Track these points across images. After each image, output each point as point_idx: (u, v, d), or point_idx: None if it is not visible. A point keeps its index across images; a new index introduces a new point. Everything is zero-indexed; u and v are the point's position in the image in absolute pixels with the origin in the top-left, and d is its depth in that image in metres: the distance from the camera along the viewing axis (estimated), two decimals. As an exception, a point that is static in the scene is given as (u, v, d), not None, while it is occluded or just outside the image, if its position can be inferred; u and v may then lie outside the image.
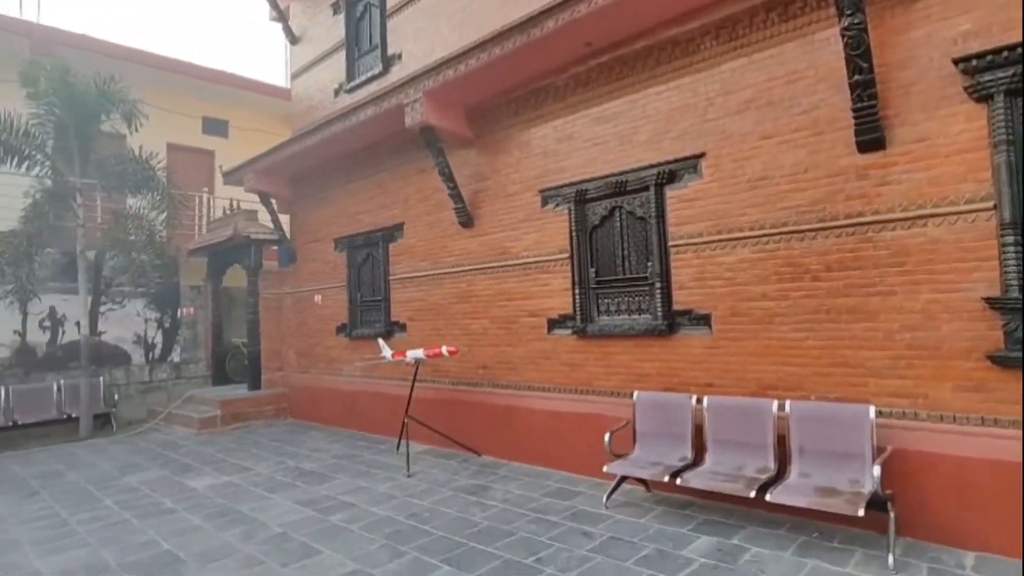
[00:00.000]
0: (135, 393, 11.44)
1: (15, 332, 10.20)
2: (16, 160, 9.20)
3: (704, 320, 5.38)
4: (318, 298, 10.24)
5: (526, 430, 6.66)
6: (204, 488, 6.32)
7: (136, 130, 10.18)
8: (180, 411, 10.48)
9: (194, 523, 5.20)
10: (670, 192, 5.66)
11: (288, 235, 10.85)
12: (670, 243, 5.65)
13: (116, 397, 10.64)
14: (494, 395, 7.10)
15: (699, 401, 5.22)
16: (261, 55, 34.31)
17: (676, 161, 5.58)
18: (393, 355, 7.43)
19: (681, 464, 4.97)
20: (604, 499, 5.19)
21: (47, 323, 10.54)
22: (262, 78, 15.63)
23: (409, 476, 6.37)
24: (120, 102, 9.80)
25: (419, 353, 6.97)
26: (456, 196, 7.31)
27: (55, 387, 10.09)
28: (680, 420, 5.24)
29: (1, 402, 9.45)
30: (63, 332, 10.67)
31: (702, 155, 5.42)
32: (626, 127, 6.00)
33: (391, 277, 8.74)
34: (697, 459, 5.06)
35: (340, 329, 9.72)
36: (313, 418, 10.05)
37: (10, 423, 9.34)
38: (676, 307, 5.59)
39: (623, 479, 5.25)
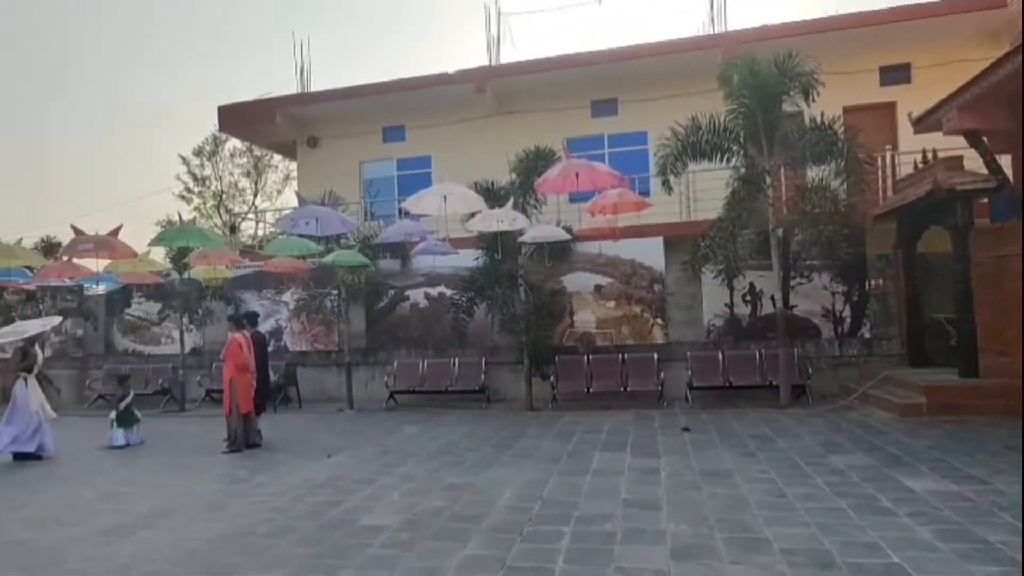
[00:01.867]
0: (825, 367, 11.36)
1: (725, 305, 11.84)
2: (719, 155, 10.57)
3: None
4: (1069, 260, 7.34)
5: None
6: (924, 492, 5.31)
7: (813, 100, 10.03)
8: (875, 391, 9.69)
9: (923, 537, 4.31)
10: None
11: (1011, 180, 8.30)
12: None
13: (810, 369, 10.84)
14: None
15: None
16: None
17: None
18: None
19: None
20: None
21: (748, 297, 11.76)
22: None
23: None
24: (797, 76, 9.84)
25: None
26: None
27: (757, 355, 11.14)
28: None
29: (720, 365, 11.14)
30: (760, 305, 11.67)
31: None
32: None
33: None
34: None
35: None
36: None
37: (726, 383, 10.89)
38: None
39: None
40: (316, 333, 13.76)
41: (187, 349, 13.53)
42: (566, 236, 10.87)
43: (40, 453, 8.31)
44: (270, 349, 11.68)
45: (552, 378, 11.42)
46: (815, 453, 6.92)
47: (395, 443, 8.59)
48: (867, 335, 11.33)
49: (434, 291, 13.10)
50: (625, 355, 11.73)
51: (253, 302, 13.75)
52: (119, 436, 8.93)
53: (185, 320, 13.43)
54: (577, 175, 8.61)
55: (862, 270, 11.35)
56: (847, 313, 11.43)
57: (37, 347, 9.00)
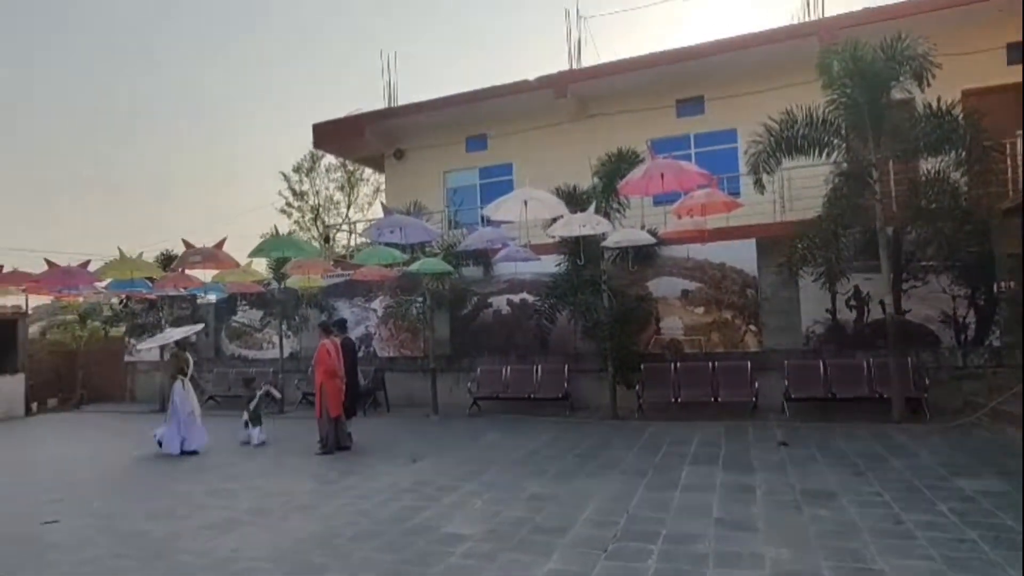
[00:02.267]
0: (946, 379, 10.25)
1: (826, 310, 10.99)
2: (817, 150, 9.84)
3: None
4: None
5: None
6: (1076, 527, 4.61)
7: (928, 84, 9.14)
8: (1008, 407, 8.63)
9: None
10: None
11: None
12: None
13: (927, 381, 9.84)
14: None
15: None
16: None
17: None
18: None
19: None
20: None
21: (852, 302, 10.86)
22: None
23: None
24: (908, 59, 9.00)
25: None
26: None
27: (864, 365, 10.25)
28: None
29: (821, 375, 10.34)
30: (868, 311, 10.73)
31: None
32: None
33: None
34: None
35: None
36: None
37: (829, 395, 10.09)
38: None
39: None
40: (403, 339, 14.14)
41: (285, 354, 14.32)
42: (651, 240, 10.52)
43: (193, 448, 9.08)
44: (360, 355, 12.09)
45: (637, 386, 11.06)
46: (936, 475, 6.23)
47: (478, 450, 8.61)
48: (996, 343, 10.12)
49: (516, 298, 13.09)
50: (715, 363, 11.16)
51: (344, 309, 14.33)
52: (255, 434, 9.57)
53: (284, 327, 14.23)
54: (663, 175, 8.25)
55: (989, 271, 10.16)
56: (971, 319, 10.28)
57: (188, 352, 9.89)
